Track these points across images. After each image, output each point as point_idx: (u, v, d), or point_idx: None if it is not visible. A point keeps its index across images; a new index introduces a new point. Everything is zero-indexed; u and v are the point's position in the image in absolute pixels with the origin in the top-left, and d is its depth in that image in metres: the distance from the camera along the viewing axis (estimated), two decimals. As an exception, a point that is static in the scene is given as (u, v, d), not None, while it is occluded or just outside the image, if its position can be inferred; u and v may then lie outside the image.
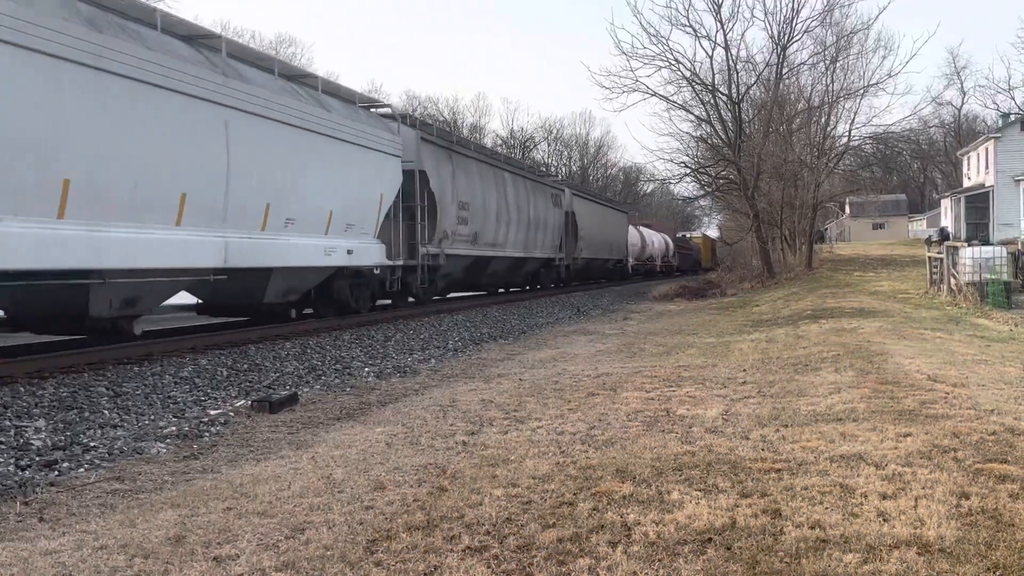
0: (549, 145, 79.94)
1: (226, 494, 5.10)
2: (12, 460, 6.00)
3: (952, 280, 21.78)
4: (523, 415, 7.50)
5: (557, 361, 11.85)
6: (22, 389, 8.11)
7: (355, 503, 4.82)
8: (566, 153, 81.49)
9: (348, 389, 9.55)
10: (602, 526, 4.28)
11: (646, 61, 36.74)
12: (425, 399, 8.65)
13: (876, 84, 35.09)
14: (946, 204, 50.95)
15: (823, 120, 36.59)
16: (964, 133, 73.40)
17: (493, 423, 7.15)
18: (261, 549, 4.09)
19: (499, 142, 77.27)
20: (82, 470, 5.89)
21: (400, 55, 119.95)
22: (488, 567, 3.81)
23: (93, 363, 9.81)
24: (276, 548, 4.10)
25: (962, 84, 77.09)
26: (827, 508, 4.42)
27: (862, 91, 35.14)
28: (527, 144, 77.40)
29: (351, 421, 7.58)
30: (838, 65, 35.11)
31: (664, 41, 52.72)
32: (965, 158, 51.34)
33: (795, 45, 36.82)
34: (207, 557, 3.99)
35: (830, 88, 35.48)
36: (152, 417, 7.63)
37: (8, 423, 6.93)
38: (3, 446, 6.32)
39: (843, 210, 66.73)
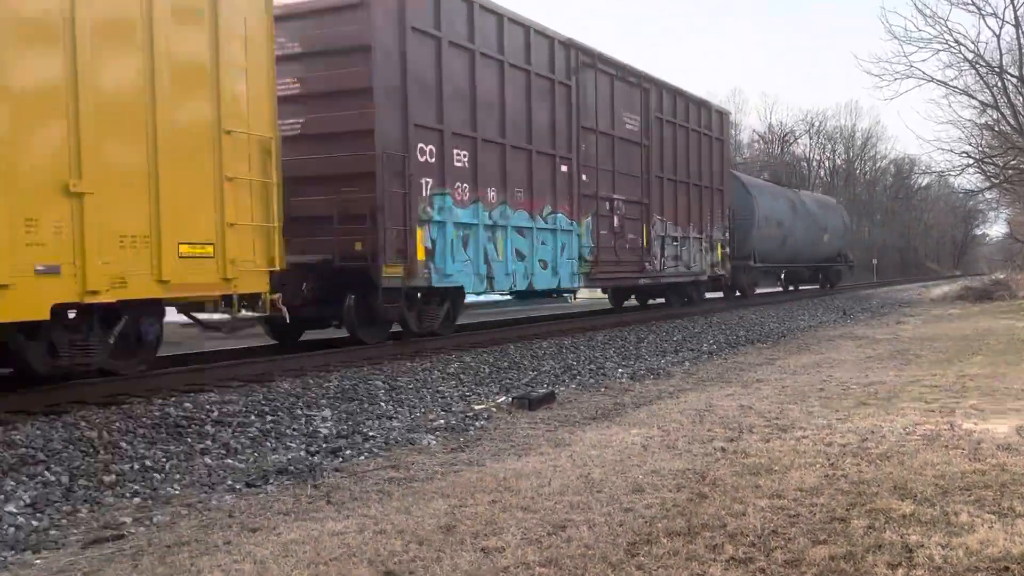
0: (811, 139, 75.67)
1: (491, 487, 5.30)
2: (304, 446, 6.63)
3: None
4: (786, 423, 7.16)
5: (821, 367, 11.22)
6: (311, 381, 8.93)
7: (614, 504, 4.83)
8: (829, 146, 76.77)
9: (602, 389, 9.62)
10: (879, 546, 3.98)
11: (921, 45, 33.76)
12: (680, 403, 8.51)
13: None
14: None
15: None
16: None
17: (753, 430, 6.89)
18: (525, 543, 4.20)
19: (756, 137, 74.35)
20: (362, 458, 6.38)
21: (652, 54, 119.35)
22: (754, 580, 3.66)
23: (370, 357, 10.62)
24: (539, 543, 4.19)
25: None
26: None
27: None
28: (787, 138, 73.78)
29: (606, 421, 7.62)
30: None
31: (942, 22, 47.84)
32: None
33: (1104, 14, 32.25)
34: (475, 548, 4.17)
35: None
36: (423, 410, 8.12)
37: (300, 412, 7.67)
38: (296, 433, 7.00)
39: None
